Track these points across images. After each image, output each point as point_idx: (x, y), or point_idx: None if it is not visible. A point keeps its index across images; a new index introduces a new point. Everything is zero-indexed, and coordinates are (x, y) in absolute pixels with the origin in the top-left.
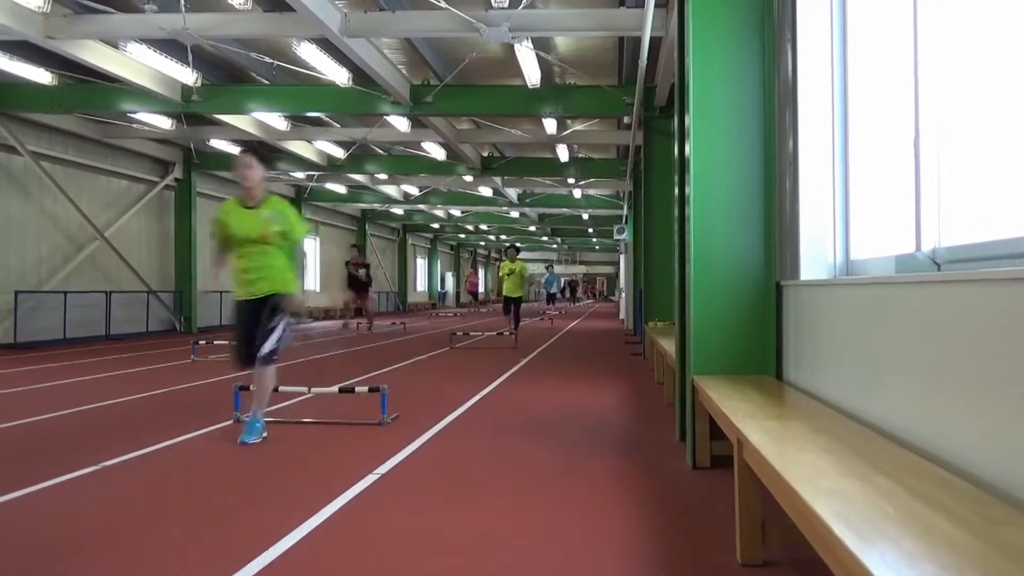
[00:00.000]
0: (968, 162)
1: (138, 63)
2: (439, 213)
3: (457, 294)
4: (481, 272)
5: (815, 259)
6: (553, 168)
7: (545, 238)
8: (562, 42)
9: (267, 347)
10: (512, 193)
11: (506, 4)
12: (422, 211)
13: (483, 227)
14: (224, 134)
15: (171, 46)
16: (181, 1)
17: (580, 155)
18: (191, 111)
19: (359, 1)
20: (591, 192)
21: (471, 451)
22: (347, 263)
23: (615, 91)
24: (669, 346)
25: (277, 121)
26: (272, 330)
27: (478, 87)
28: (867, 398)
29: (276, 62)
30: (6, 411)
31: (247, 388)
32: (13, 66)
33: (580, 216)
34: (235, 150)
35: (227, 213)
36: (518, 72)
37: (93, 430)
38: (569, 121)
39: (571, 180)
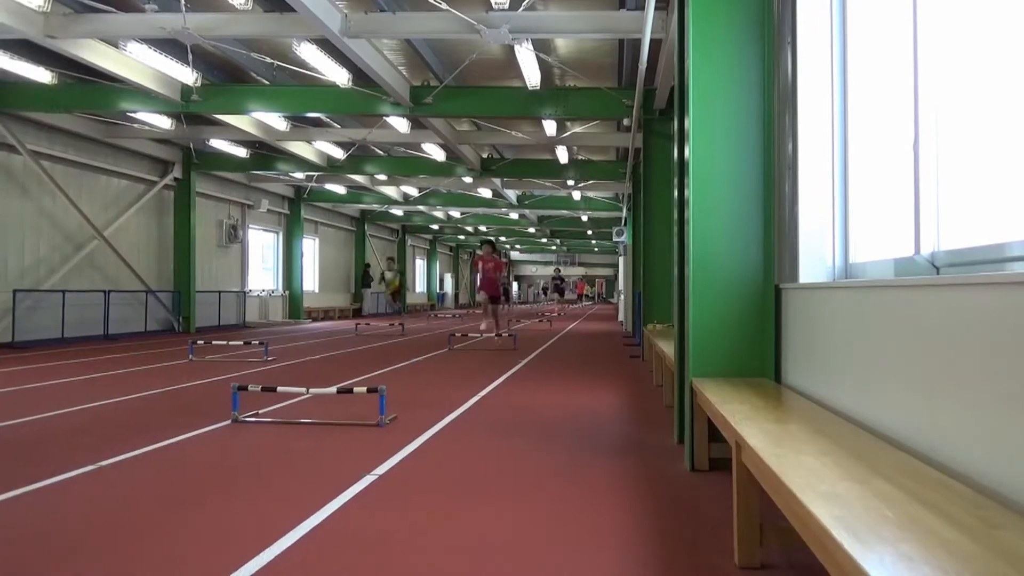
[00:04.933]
0: (967, 165)
1: (138, 63)
2: (438, 214)
3: (456, 295)
4: (479, 275)
5: (814, 262)
6: (553, 170)
7: (544, 240)
8: (562, 44)
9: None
10: (511, 195)
11: (506, 6)
12: (421, 212)
13: (482, 228)
14: (224, 134)
15: (171, 46)
16: (181, 1)
17: (580, 157)
18: (191, 111)
19: (359, 2)
20: (590, 194)
21: (469, 452)
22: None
23: (615, 93)
24: (668, 348)
25: (277, 121)
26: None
27: (478, 88)
28: (866, 401)
29: (276, 62)
30: (3, 410)
31: (245, 388)
32: (13, 65)
33: (579, 218)
34: (235, 150)
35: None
36: (518, 74)
37: (90, 430)
38: (569, 123)
39: (570, 182)
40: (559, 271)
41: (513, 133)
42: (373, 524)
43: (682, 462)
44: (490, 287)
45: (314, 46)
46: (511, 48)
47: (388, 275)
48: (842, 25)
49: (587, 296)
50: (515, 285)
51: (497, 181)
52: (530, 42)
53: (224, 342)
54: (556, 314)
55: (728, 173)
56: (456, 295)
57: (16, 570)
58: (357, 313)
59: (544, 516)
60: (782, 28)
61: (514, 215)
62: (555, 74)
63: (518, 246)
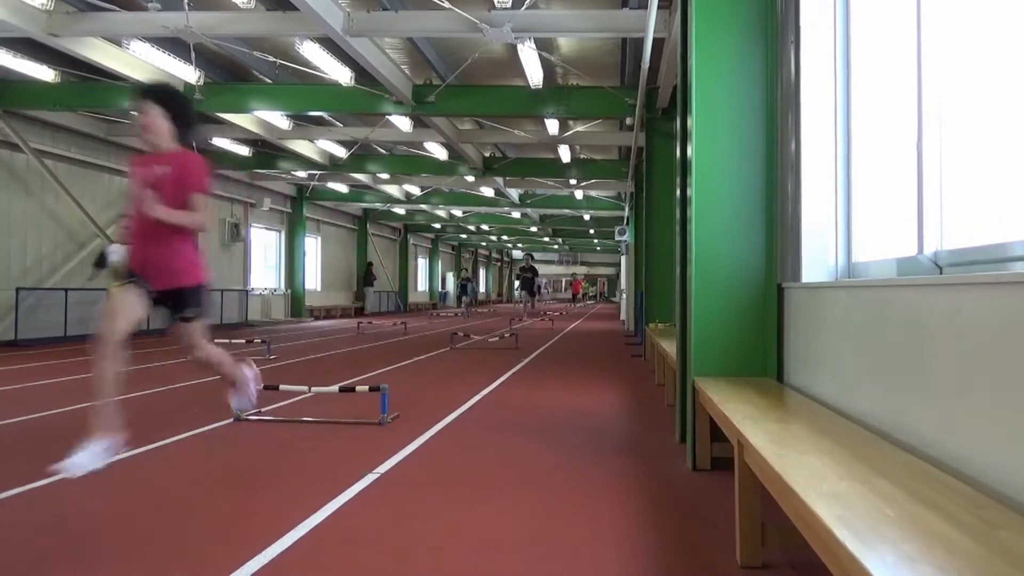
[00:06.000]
0: (971, 164)
1: (141, 61)
2: (441, 213)
3: (458, 294)
4: (482, 271)
5: (817, 261)
6: (555, 169)
7: (547, 239)
8: (565, 43)
9: None
10: (514, 194)
11: (509, 4)
12: (424, 211)
13: (484, 227)
14: (226, 133)
15: (174, 44)
16: None
17: (582, 156)
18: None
19: (362, 0)
20: (593, 193)
21: (471, 451)
22: None
23: (617, 92)
24: (670, 348)
25: (279, 120)
26: None
27: (480, 87)
28: (868, 401)
29: (279, 61)
30: (6, 408)
31: None
32: (16, 63)
33: (582, 217)
34: (237, 148)
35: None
36: (520, 73)
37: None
38: (571, 122)
39: (573, 181)
40: (530, 260)
41: (515, 132)
42: (374, 523)
43: (684, 461)
44: (147, 238)
45: (317, 45)
46: (513, 47)
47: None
48: (845, 24)
49: (588, 296)
50: (517, 284)
51: (499, 180)
52: (532, 41)
53: (226, 340)
54: (526, 319)
55: (731, 172)
56: (458, 294)
57: (17, 567)
58: (359, 312)
59: (546, 515)
60: (785, 27)
61: (516, 214)
62: (557, 73)
63: (520, 245)
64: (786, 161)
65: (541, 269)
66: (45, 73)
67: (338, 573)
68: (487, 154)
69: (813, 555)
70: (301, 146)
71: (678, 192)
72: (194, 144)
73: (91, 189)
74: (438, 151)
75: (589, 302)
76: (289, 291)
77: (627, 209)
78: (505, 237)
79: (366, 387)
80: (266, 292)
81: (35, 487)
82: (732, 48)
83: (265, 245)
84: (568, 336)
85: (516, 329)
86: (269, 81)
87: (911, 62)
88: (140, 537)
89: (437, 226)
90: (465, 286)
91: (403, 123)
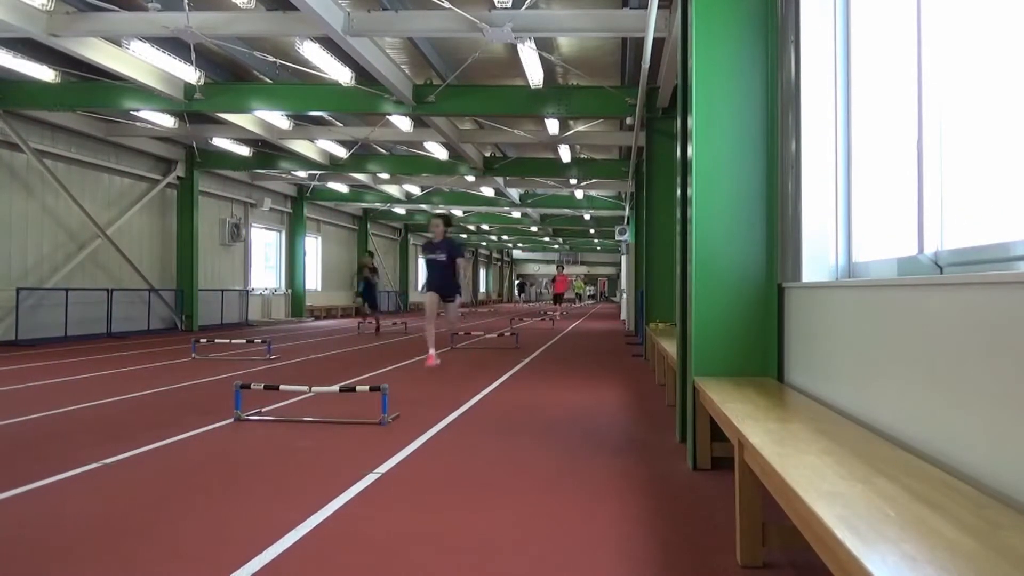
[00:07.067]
0: (971, 164)
1: (141, 61)
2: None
3: (359, 292)
4: (483, 272)
5: (817, 261)
6: (555, 169)
7: (547, 239)
8: (565, 43)
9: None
10: (514, 193)
11: (509, 4)
12: (424, 211)
13: (485, 227)
14: (227, 133)
15: (174, 44)
16: None
17: (582, 156)
18: (194, 109)
19: (362, 0)
20: (593, 193)
21: (471, 451)
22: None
23: (618, 92)
24: (670, 347)
25: (280, 120)
26: None
27: (481, 87)
28: (868, 400)
29: (279, 61)
30: (7, 408)
31: (247, 387)
32: (16, 63)
33: (582, 217)
34: (238, 148)
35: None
36: (521, 72)
37: (94, 428)
38: (571, 122)
39: (573, 181)
40: (443, 222)
41: (516, 132)
42: (375, 523)
43: (684, 461)
44: None
45: (317, 45)
46: (514, 47)
47: None
48: (845, 23)
49: (588, 296)
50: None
51: (499, 180)
52: (533, 41)
53: (227, 340)
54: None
55: (731, 172)
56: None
57: (19, 567)
58: (360, 311)
59: (546, 515)
60: (785, 26)
61: (516, 214)
62: (558, 72)
63: (520, 244)
64: (786, 160)
65: (539, 269)
66: (45, 73)
67: (338, 573)
68: (487, 154)
69: (814, 555)
70: (301, 146)
71: (678, 192)
72: None
73: (91, 189)
74: (438, 151)
75: (588, 302)
76: (289, 291)
77: (627, 209)
78: (505, 237)
79: (366, 387)
80: (266, 292)
81: (35, 487)
82: (732, 48)
83: (265, 245)
84: (569, 336)
85: (518, 329)
86: (269, 81)
87: (911, 61)
88: (140, 536)
89: None
90: (369, 283)
91: (403, 123)
